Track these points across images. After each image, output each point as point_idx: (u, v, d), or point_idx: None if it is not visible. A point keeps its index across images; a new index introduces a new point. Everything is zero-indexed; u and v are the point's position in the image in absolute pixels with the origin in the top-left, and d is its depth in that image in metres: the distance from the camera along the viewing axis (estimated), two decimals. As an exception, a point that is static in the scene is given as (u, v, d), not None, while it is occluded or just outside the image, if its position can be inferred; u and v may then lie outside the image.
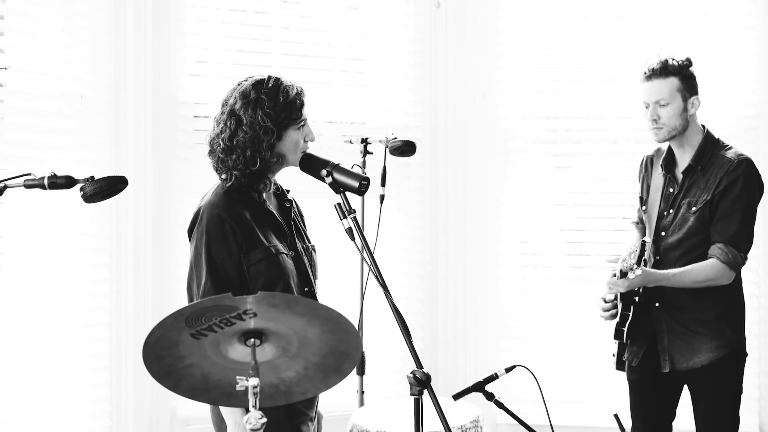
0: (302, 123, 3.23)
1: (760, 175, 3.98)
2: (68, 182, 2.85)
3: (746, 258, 3.95)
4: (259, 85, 3.20)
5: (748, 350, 4.06)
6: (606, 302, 4.09)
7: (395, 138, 4.35)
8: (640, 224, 4.32)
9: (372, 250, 3.13)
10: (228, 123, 3.20)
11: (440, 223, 5.52)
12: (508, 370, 3.63)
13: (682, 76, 3.95)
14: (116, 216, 4.73)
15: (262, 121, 3.15)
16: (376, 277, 3.06)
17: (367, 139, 4.42)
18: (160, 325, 2.38)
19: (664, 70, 3.94)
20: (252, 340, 2.48)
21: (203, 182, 3.39)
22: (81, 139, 4.66)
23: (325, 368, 2.59)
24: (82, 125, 4.66)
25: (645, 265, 3.92)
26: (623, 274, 3.83)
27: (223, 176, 3.22)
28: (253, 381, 2.46)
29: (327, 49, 5.31)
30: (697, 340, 3.97)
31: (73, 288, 4.65)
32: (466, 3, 5.49)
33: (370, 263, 3.07)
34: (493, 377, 3.59)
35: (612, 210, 5.48)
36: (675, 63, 3.94)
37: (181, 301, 4.48)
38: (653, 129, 3.99)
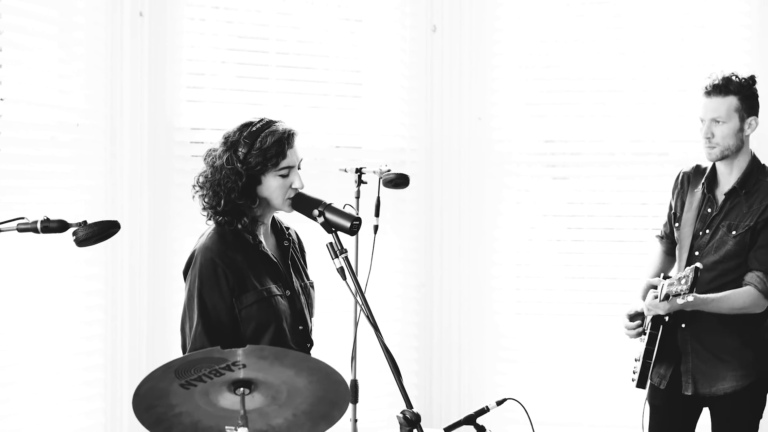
0: (282, 169, 3.25)
1: None
2: (61, 226, 2.86)
3: None
4: (245, 127, 3.26)
5: None
6: (633, 320, 4.08)
7: (389, 170, 4.38)
8: (665, 239, 4.29)
9: (365, 285, 3.18)
10: (206, 161, 3.29)
11: (435, 246, 5.54)
12: (499, 403, 3.65)
13: (742, 95, 3.90)
14: (112, 245, 4.74)
15: (229, 163, 3.21)
16: (367, 317, 3.09)
17: (361, 168, 4.44)
18: (150, 377, 2.42)
19: (724, 87, 3.89)
20: (241, 389, 2.52)
21: (199, 208, 3.40)
22: (77, 167, 4.69)
23: (314, 416, 2.63)
24: (77, 153, 4.70)
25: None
26: (666, 297, 3.77)
27: (202, 212, 3.30)
28: (243, 430, 2.49)
29: (324, 75, 5.34)
30: (723, 366, 3.95)
31: (66, 322, 4.67)
32: (462, 26, 5.51)
33: (361, 303, 3.10)
34: (484, 410, 3.61)
35: (610, 233, 5.49)
36: (737, 81, 3.89)
37: (177, 343, 4.56)
38: (706, 147, 3.94)
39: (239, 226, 3.26)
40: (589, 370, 5.42)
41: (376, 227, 4.37)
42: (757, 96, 3.97)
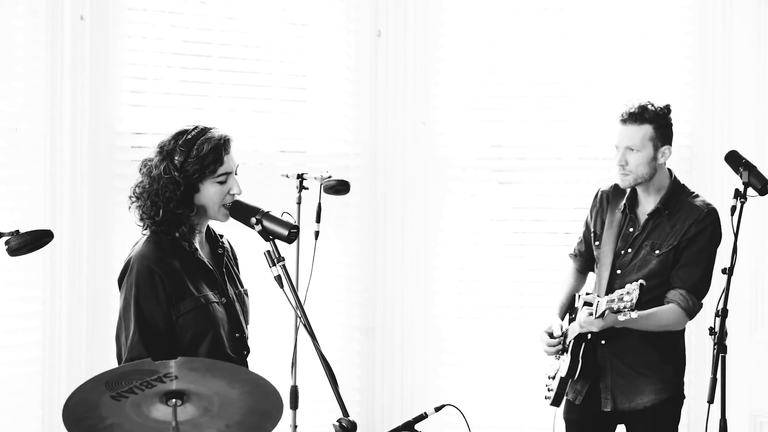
0: (220, 176, 3.24)
1: (721, 226, 4.00)
2: (-8, 235, 2.85)
3: (702, 306, 3.98)
4: (179, 135, 3.24)
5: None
6: (553, 337, 4.08)
7: (330, 177, 4.39)
8: (579, 257, 4.33)
9: (306, 291, 3.18)
10: (141, 171, 3.27)
11: (378, 251, 5.55)
12: (437, 409, 3.65)
13: (657, 124, 3.93)
14: (50, 251, 4.70)
15: (166, 173, 3.19)
16: (305, 326, 3.10)
17: (303, 174, 4.44)
18: (79, 389, 2.41)
19: (640, 116, 3.92)
20: (173, 400, 2.52)
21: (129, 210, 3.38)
22: (14, 172, 4.64)
23: (246, 426, 2.63)
24: (15, 158, 4.65)
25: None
26: (602, 314, 3.77)
27: (138, 222, 3.28)
28: (175, 441, 2.49)
29: (269, 79, 5.32)
30: (642, 381, 3.99)
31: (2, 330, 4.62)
32: (406, 31, 5.53)
33: (299, 312, 3.11)
34: (422, 416, 3.61)
35: (556, 238, 5.51)
36: (652, 110, 3.93)
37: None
38: (620, 174, 3.99)
39: (176, 235, 3.25)
40: (529, 375, 5.41)
41: (317, 233, 4.38)
42: (671, 125, 4.02)
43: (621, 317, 3.66)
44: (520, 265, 5.57)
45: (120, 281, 3.28)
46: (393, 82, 5.54)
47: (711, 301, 3.94)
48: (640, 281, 3.65)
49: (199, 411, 2.56)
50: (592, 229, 4.22)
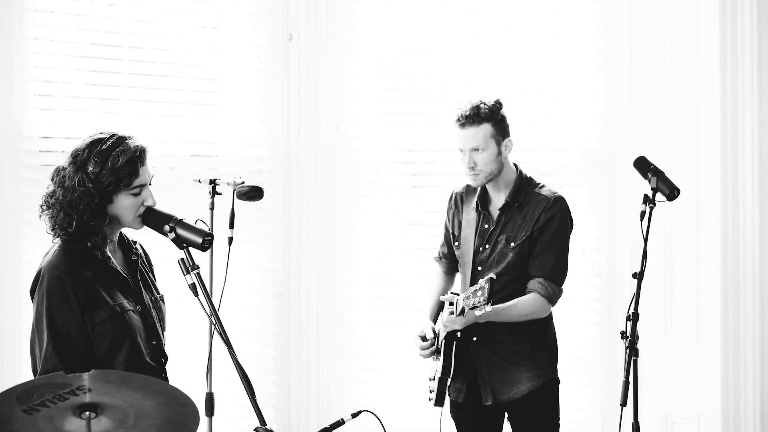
0: (135, 188, 3.19)
1: (571, 212, 4.14)
2: None
3: (562, 291, 4.11)
4: (94, 145, 3.18)
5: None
6: (425, 339, 4.13)
7: (243, 182, 4.37)
8: (444, 260, 4.42)
9: (220, 298, 3.15)
10: (54, 179, 3.21)
11: (293, 255, 5.53)
12: (354, 415, 3.65)
13: (494, 121, 4.04)
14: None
15: (80, 184, 3.14)
16: (220, 334, 3.08)
17: (215, 180, 4.41)
18: (-11, 404, 2.35)
19: (476, 117, 4.02)
20: (87, 413, 2.47)
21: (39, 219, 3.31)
22: None
23: (163, 438, 2.58)
24: None
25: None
26: (461, 312, 3.87)
27: (49, 231, 3.22)
28: (89, 455, 2.44)
29: (180, 82, 5.26)
30: (517, 370, 4.09)
31: None
32: (318, 35, 5.51)
33: (214, 321, 3.08)
34: (339, 423, 3.60)
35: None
36: (486, 109, 4.03)
37: (27, 359, 4.42)
38: (471, 175, 4.09)
39: (88, 245, 3.19)
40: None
41: (230, 239, 4.35)
42: (506, 118, 4.12)
43: (477, 312, 3.76)
44: (431, 269, 5.54)
45: (32, 292, 3.22)
46: (305, 86, 5.52)
47: (622, 306, 4.01)
48: (490, 275, 3.74)
49: (114, 423, 2.52)
50: (451, 231, 4.33)
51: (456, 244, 4.27)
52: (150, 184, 3.27)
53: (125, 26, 5.13)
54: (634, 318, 3.75)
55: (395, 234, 5.60)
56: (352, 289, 5.57)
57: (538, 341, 4.14)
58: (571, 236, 4.16)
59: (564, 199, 4.11)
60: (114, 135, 3.21)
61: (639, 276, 3.79)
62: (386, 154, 5.61)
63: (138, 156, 3.20)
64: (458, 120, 4.06)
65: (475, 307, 3.75)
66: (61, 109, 4.96)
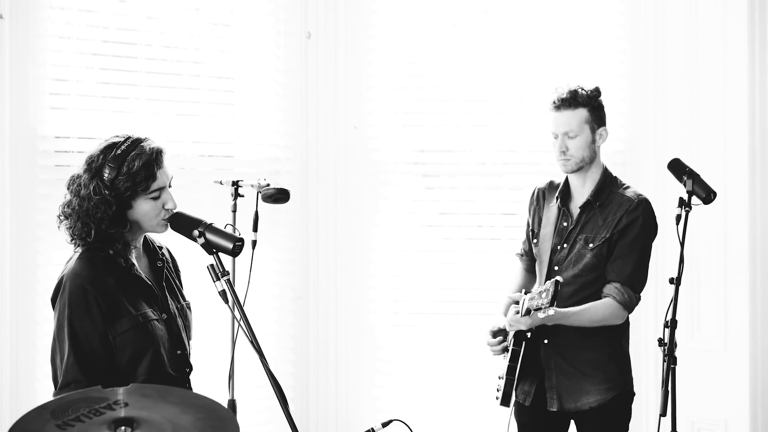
0: (153, 192, 3.10)
1: (655, 216, 3.97)
2: None
3: (640, 298, 3.94)
4: (108, 150, 3.09)
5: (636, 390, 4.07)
6: (495, 336, 4.02)
7: (268, 184, 4.25)
8: (525, 257, 4.26)
9: (243, 303, 3.05)
10: (70, 188, 3.13)
11: (311, 257, 5.43)
12: (385, 424, 3.54)
13: (591, 107, 3.92)
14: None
15: (96, 192, 3.05)
16: (252, 342, 2.98)
17: (238, 182, 4.30)
18: (22, 420, 2.25)
19: (573, 101, 3.90)
20: (122, 428, 2.37)
21: (58, 230, 3.22)
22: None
23: (199, 454, 2.48)
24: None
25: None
26: (528, 312, 3.73)
27: (69, 242, 3.14)
28: (123, 471, 2.34)
29: (195, 81, 5.15)
30: (586, 381, 3.93)
31: None
32: (337, 33, 5.41)
33: (246, 329, 2.98)
34: (370, 432, 3.49)
35: (483, 243, 5.47)
36: (584, 94, 3.91)
37: (42, 364, 4.32)
38: (561, 160, 3.95)
39: (111, 252, 3.10)
40: (466, 383, 5.39)
41: (254, 242, 4.24)
42: (604, 107, 4.01)
43: (540, 314, 3.63)
44: (451, 271, 5.49)
45: (53, 300, 3.13)
46: (324, 85, 5.42)
47: (659, 312, 3.90)
48: (557, 278, 3.62)
49: (150, 438, 2.41)
50: (531, 227, 4.19)
51: (534, 241, 4.13)
52: (170, 186, 3.18)
53: (138, 23, 5.01)
54: (672, 324, 3.64)
55: (414, 236, 5.50)
56: (371, 292, 5.48)
57: (611, 351, 3.97)
58: (653, 241, 3.98)
59: (648, 202, 3.94)
60: (129, 138, 3.12)
61: (676, 281, 3.69)
62: (406, 155, 5.52)
63: (154, 159, 3.11)
64: (554, 103, 3.93)
65: (538, 309, 3.63)
66: (76, 108, 4.84)
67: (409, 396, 5.42)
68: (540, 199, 4.18)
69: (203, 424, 2.39)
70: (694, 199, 3.81)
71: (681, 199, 3.79)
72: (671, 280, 3.69)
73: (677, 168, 3.91)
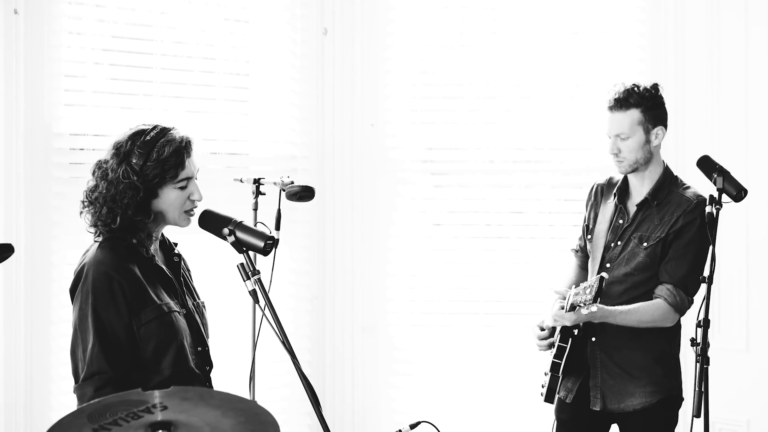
0: (181, 181, 3.04)
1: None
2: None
3: (692, 302, 3.83)
4: (137, 136, 3.03)
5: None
6: (543, 330, 3.94)
7: (292, 182, 4.18)
8: (580, 253, 4.18)
9: (274, 308, 2.98)
10: (95, 173, 3.05)
11: (328, 257, 5.36)
12: (413, 426, 3.48)
13: (644, 107, 3.81)
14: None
15: (125, 177, 2.97)
16: (283, 343, 2.94)
17: (260, 179, 4.23)
18: (58, 425, 2.17)
19: (625, 102, 3.80)
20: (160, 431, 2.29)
21: (80, 219, 3.14)
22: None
23: (238, 458, 2.41)
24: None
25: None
26: (572, 307, 3.66)
27: (91, 229, 3.05)
28: (161, 474, 2.27)
29: (211, 78, 5.08)
30: (631, 382, 3.84)
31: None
32: (353, 29, 5.34)
33: (276, 329, 2.92)
34: (398, 434, 3.43)
35: (501, 243, 5.41)
36: (638, 93, 3.80)
37: (57, 365, 4.25)
38: (615, 161, 3.87)
39: (134, 242, 3.03)
40: (484, 382, 5.33)
41: (277, 242, 4.15)
42: (663, 104, 3.90)
43: (584, 311, 3.56)
44: (465, 270, 5.42)
45: (72, 291, 3.03)
46: (340, 82, 5.35)
47: (691, 312, 3.83)
48: (602, 274, 3.55)
49: (188, 442, 2.34)
50: (586, 223, 4.11)
51: (589, 237, 4.04)
52: (196, 178, 3.11)
53: (150, 19, 4.95)
54: (705, 324, 3.56)
55: (432, 235, 5.43)
56: (387, 291, 5.40)
57: (660, 354, 3.88)
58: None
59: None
60: (157, 126, 3.07)
61: (708, 280, 3.58)
62: (424, 153, 5.46)
63: (184, 147, 3.07)
64: (608, 103, 3.85)
65: (582, 305, 3.56)
66: (91, 105, 4.78)
67: (427, 397, 5.35)
68: (598, 195, 4.09)
69: (243, 428, 2.32)
70: (724, 197, 3.73)
71: (711, 196, 3.70)
72: (703, 279, 3.62)
73: (707, 165, 3.82)
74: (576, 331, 3.86)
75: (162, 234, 3.23)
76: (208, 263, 4.33)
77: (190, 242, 3.45)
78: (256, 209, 4.21)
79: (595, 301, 3.53)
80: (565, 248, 4.29)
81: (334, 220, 5.35)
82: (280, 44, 5.29)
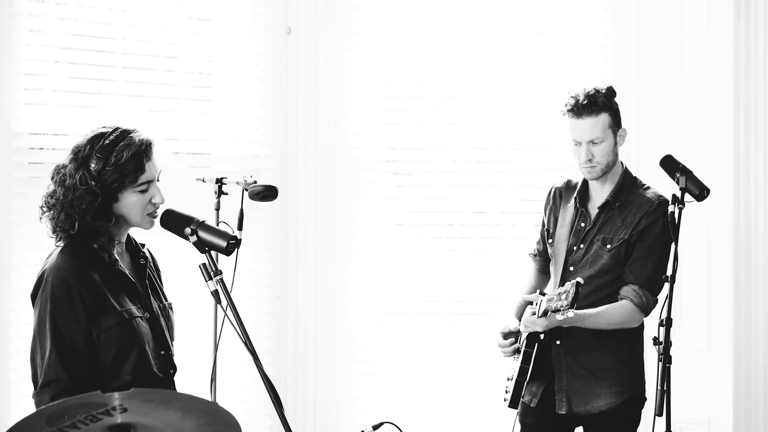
0: (141, 184, 3.01)
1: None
2: None
3: (657, 302, 3.83)
4: (96, 140, 3.00)
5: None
6: (507, 337, 3.93)
7: (255, 182, 4.15)
8: (539, 257, 4.17)
9: (236, 309, 2.96)
10: (54, 178, 3.02)
11: (290, 257, 5.33)
12: (375, 427, 3.47)
13: (611, 110, 3.81)
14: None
15: (82, 182, 2.95)
16: (245, 344, 2.92)
17: (222, 179, 4.20)
18: (16, 427, 2.14)
19: (594, 106, 3.77)
20: (119, 434, 2.26)
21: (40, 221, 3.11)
22: None
23: (199, 460, 2.38)
24: None
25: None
26: (544, 313, 3.63)
27: (51, 234, 3.03)
28: (120, 478, 2.24)
29: (173, 77, 5.04)
30: (597, 384, 3.84)
31: None
32: (317, 29, 5.32)
33: (239, 330, 2.90)
34: (360, 435, 3.42)
35: (463, 243, 5.41)
36: (603, 97, 3.78)
37: (16, 368, 4.19)
38: (587, 168, 3.83)
39: (94, 246, 2.99)
40: (446, 383, 5.33)
41: (239, 241, 4.10)
42: (618, 106, 3.89)
43: (559, 316, 3.54)
44: (427, 270, 5.41)
45: (33, 297, 3.01)
46: (304, 82, 5.32)
47: (653, 311, 3.84)
48: (577, 279, 3.53)
49: (148, 445, 2.31)
50: (546, 227, 4.09)
51: (549, 241, 4.03)
52: (158, 180, 3.09)
53: (112, 17, 4.90)
54: (667, 323, 3.58)
55: (395, 235, 5.42)
56: (351, 292, 5.39)
57: (625, 354, 3.89)
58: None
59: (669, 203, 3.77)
60: (117, 129, 3.04)
61: (671, 279, 3.61)
62: (387, 153, 5.45)
63: (143, 150, 3.03)
64: (573, 109, 3.80)
65: (557, 311, 3.53)
66: (51, 104, 4.72)
67: (390, 397, 5.34)
68: (557, 198, 4.08)
69: (204, 429, 2.30)
70: (687, 196, 3.75)
71: (674, 196, 3.72)
72: (666, 279, 3.63)
73: (670, 165, 3.83)
74: (542, 336, 3.86)
75: (129, 235, 3.20)
76: (173, 263, 4.29)
77: (155, 242, 3.40)
78: (218, 209, 4.18)
79: (572, 306, 3.50)
80: (528, 248, 4.28)
81: (297, 220, 5.32)
82: (244, 43, 5.26)
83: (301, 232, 5.33)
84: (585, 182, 3.97)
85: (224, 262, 3.73)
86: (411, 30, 5.40)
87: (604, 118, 3.80)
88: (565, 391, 3.89)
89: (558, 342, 3.89)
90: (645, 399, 3.97)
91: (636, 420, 3.94)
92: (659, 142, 5.05)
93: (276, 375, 5.27)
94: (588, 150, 3.81)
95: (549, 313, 3.61)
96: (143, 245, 3.27)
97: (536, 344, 3.86)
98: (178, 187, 4.78)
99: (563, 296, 3.53)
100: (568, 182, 4.07)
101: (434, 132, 5.38)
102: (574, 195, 3.98)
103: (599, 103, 3.79)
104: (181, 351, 3.50)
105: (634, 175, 3.97)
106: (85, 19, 4.84)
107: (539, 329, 3.75)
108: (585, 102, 3.78)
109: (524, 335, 3.88)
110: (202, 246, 2.95)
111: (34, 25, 4.68)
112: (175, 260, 4.29)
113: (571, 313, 3.51)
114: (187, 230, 2.96)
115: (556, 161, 5.29)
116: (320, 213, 5.34)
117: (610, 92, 3.84)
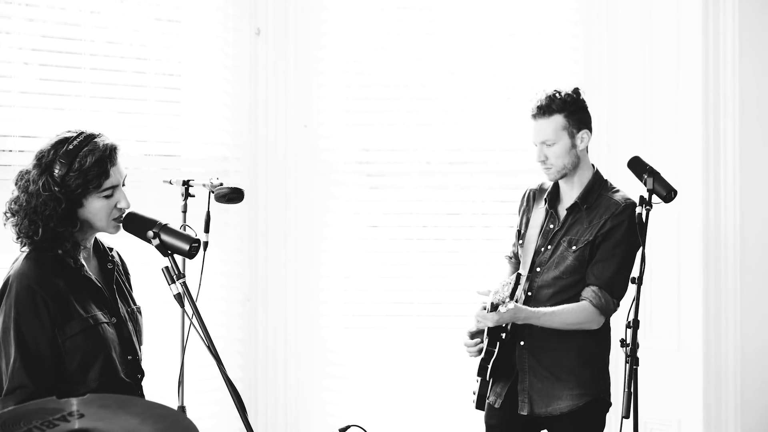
0: (106, 190, 2.99)
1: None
2: None
3: (618, 305, 3.83)
4: (60, 145, 2.97)
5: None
6: (471, 337, 3.92)
7: (221, 184, 4.13)
8: (514, 259, 4.15)
9: (199, 313, 2.94)
10: (18, 184, 3.00)
11: (260, 259, 5.31)
12: (342, 430, 3.45)
13: (567, 112, 3.80)
14: None
15: (45, 188, 2.93)
16: (208, 347, 2.90)
17: (189, 181, 4.17)
18: (-31, 434, 2.11)
19: (548, 108, 3.78)
20: (76, 440, 2.24)
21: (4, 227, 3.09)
22: None
23: (159, 466, 2.36)
24: None
25: (517, 301, 3.75)
26: (494, 308, 3.63)
27: (15, 240, 3.02)
28: (78, 486, 2.21)
29: (142, 78, 5.00)
30: (560, 385, 3.82)
31: None
32: (287, 30, 5.30)
33: (202, 334, 2.89)
34: (327, 438, 3.40)
35: (437, 244, 5.41)
36: (559, 99, 3.78)
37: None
38: (543, 169, 3.85)
39: (59, 252, 2.97)
40: (417, 385, 5.32)
41: (205, 244, 4.11)
42: (586, 107, 3.89)
43: (502, 308, 3.55)
44: (399, 272, 5.41)
45: None
46: (273, 83, 5.30)
47: (619, 313, 3.84)
48: (518, 272, 3.57)
49: (105, 451, 2.29)
50: (518, 228, 4.09)
51: (520, 242, 4.02)
52: (123, 185, 3.06)
53: (80, 18, 4.85)
54: (634, 325, 3.55)
55: (365, 237, 5.41)
56: (321, 294, 5.37)
57: (588, 356, 3.87)
58: (638, 248, 3.73)
59: (635, 207, 3.72)
60: (82, 133, 3.01)
61: (638, 281, 3.59)
62: (357, 154, 5.44)
63: (108, 155, 3.00)
64: (531, 111, 3.83)
65: (499, 304, 3.54)
66: (19, 105, 4.67)
67: (360, 400, 5.33)
68: (530, 200, 4.08)
69: (163, 434, 2.27)
70: (654, 198, 3.74)
71: (642, 197, 3.70)
72: (632, 280, 3.62)
73: (637, 166, 3.82)
74: (504, 335, 3.85)
75: (96, 239, 3.17)
76: (143, 266, 4.26)
77: (123, 245, 3.38)
78: (185, 211, 4.15)
79: (511, 298, 3.53)
80: (501, 249, 4.27)
81: (266, 221, 5.31)
82: (213, 44, 5.24)
83: (271, 234, 5.31)
84: (556, 184, 3.98)
85: (194, 264, 3.72)
86: (383, 30, 5.39)
87: (557, 120, 3.80)
88: (528, 392, 3.87)
89: (522, 343, 3.88)
90: (610, 403, 3.95)
91: (600, 423, 3.92)
92: (629, 143, 5.06)
93: (246, 377, 5.26)
94: (541, 151, 3.84)
95: (498, 307, 3.61)
96: (111, 249, 3.24)
97: (498, 343, 3.85)
98: (147, 190, 4.78)
99: (505, 288, 3.57)
100: (542, 185, 4.07)
101: (407, 133, 5.37)
102: (545, 196, 3.99)
103: (553, 106, 3.79)
104: (150, 355, 3.49)
105: (605, 177, 3.97)
106: (54, 21, 4.80)
107: (490, 324, 3.72)
108: (539, 104, 3.81)
109: (486, 334, 3.87)
110: (164, 249, 2.94)
111: (2, 27, 4.64)
112: (145, 263, 4.27)
113: (511, 305, 3.54)
114: (150, 233, 2.94)
115: (530, 162, 5.21)
116: (290, 215, 5.32)
117: (569, 95, 3.83)
